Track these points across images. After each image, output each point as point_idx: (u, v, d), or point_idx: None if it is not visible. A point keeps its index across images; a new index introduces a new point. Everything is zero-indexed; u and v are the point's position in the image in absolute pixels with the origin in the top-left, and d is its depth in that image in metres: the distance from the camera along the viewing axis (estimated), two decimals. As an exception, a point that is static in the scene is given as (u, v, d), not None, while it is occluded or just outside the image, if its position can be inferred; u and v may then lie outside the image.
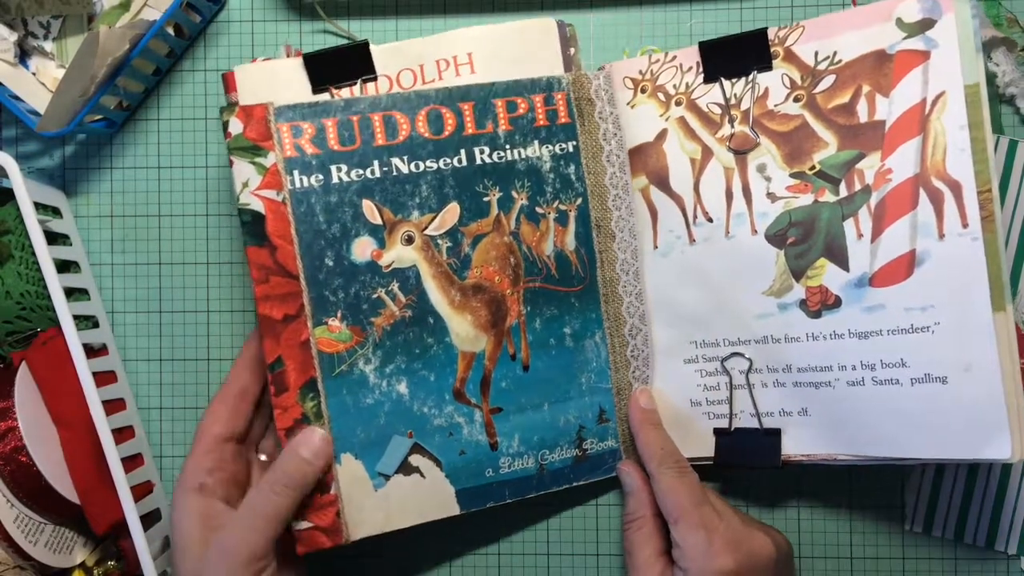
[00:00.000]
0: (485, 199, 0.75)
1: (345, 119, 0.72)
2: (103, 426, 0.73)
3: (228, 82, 0.75)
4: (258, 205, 0.71)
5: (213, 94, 0.84)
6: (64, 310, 0.74)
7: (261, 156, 0.71)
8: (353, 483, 0.73)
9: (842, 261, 0.70)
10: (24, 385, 0.76)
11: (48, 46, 0.81)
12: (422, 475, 0.74)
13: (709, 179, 0.75)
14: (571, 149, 0.77)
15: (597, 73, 0.78)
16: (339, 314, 0.72)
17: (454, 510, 0.76)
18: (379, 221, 0.73)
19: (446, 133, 0.74)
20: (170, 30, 0.79)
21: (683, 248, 0.76)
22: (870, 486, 0.82)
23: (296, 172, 0.71)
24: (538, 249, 0.76)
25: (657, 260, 0.77)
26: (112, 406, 0.78)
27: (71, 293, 0.79)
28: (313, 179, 0.72)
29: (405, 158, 0.73)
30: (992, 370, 0.66)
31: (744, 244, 0.74)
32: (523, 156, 0.76)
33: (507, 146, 0.75)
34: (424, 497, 0.75)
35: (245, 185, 0.71)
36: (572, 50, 0.78)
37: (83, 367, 0.73)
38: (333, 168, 0.72)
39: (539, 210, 0.76)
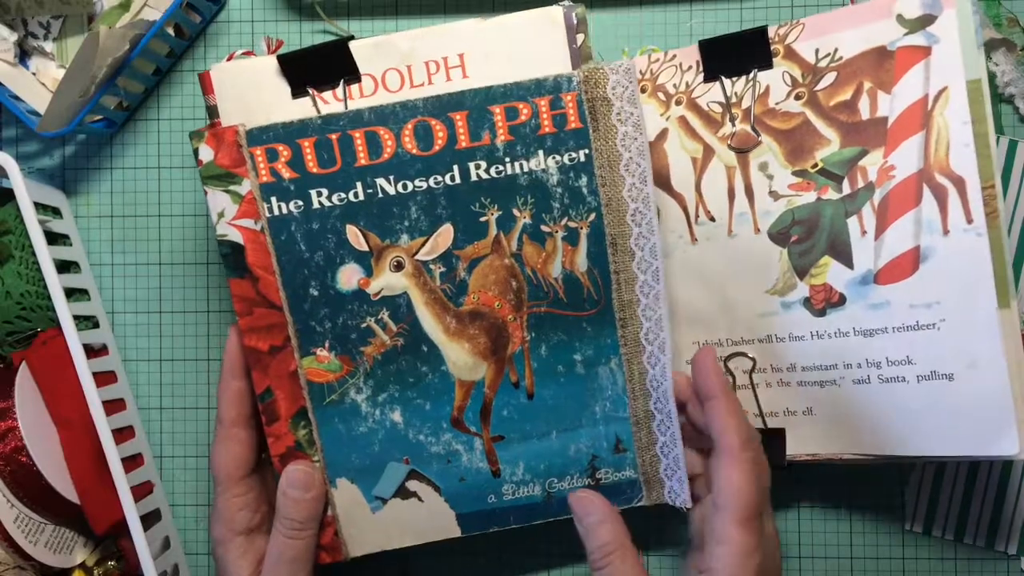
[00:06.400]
0: (482, 219, 0.69)
1: (323, 138, 0.67)
2: (103, 426, 0.73)
3: (205, 83, 0.71)
4: (236, 236, 0.68)
5: (213, 94, 0.83)
6: (64, 310, 0.73)
7: (235, 184, 0.68)
8: (350, 506, 0.73)
9: (846, 259, 0.70)
10: (24, 385, 0.76)
11: (48, 46, 0.81)
12: (420, 499, 0.73)
13: (711, 178, 0.75)
14: (582, 158, 0.68)
15: (616, 66, 0.67)
16: (327, 344, 0.70)
17: (455, 532, 0.74)
18: (365, 247, 0.69)
19: (436, 148, 0.68)
20: (170, 30, 0.79)
21: (685, 248, 0.76)
22: (870, 486, 0.82)
23: (274, 199, 0.68)
24: (544, 271, 0.70)
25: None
26: (112, 406, 0.78)
27: (71, 293, 0.79)
28: (292, 205, 0.68)
29: (391, 178, 0.68)
30: (999, 366, 0.66)
31: (747, 243, 0.74)
32: (525, 169, 0.68)
33: (507, 159, 0.68)
34: (424, 520, 0.74)
35: (221, 215, 0.68)
36: (581, 37, 0.71)
37: (83, 367, 0.73)
38: (313, 193, 0.68)
39: (545, 228, 0.69)
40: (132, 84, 0.80)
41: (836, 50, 0.70)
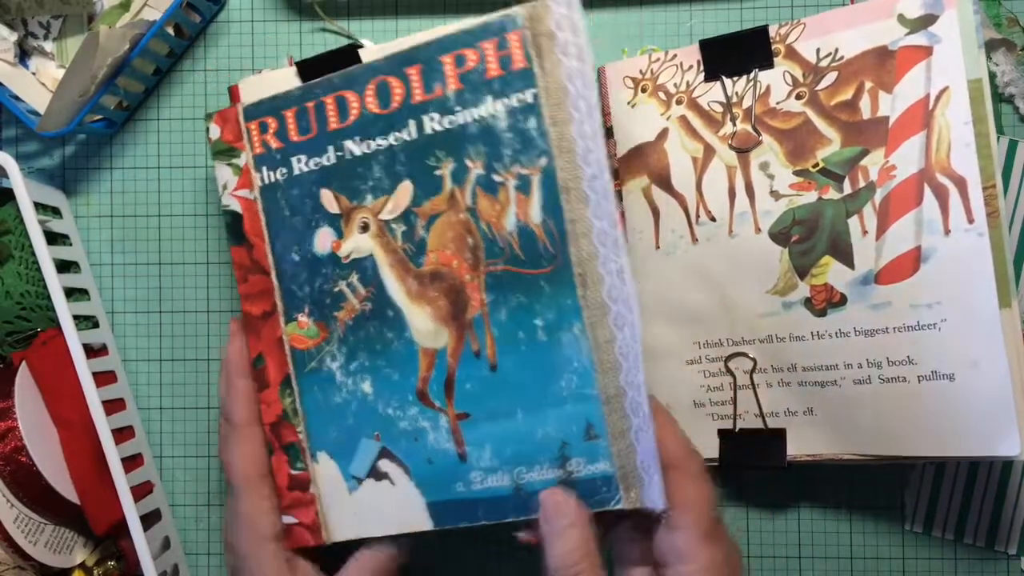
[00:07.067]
0: (437, 172, 0.65)
1: (302, 107, 0.68)
2: (103, 426, 0.73)
3: (233, 95, 0.76)
4: (236, 206, 0.71)
5: (213, 94, 0.84)
6: (64, 310, 0.73)
7: (236, 157, 0.70)
8: (330, 483, 0.70)
9: (847, 259, 0.70)
10: (24, 385, 0.76)
11: (48, 46, 0.81)
12: (392, 482, 0.69)
13: (711, 178, 0.75)
14: (530, 99, 0.62)
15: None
16: (307, 309, 0.69)
17: (427, 524, 0.68)
18: (337, 210, 0.68)
19: (395, 105, 0.66)
20: (170, 30, 0.79)
21: (686, 248, 0.76)
22: (870, 486, 0.82)
23: (264, 168, 0.70)
24: (498, 225, 0.64)
25: (659, 260, 0.77)
26: (112, 406, 0.78)
27: (71, 293, 0.78)
28: (278, 173, 0.69)
29: (357, 139, 0.67)
30: (1000, 366, 0.66)
31: (747, 243, 0.74)
32: (476, 117, 0.64)
33: (458, 108, 0.64)
34: (396, 506, 0.69)
35: (225, 187, 0.71)
36: None
37: (83, 367, 0.73)
38: (294, 160, 0.69)
39: (497, 178, 0.64)
40: (132, 84, 0.80)
41: (837, 50, 0.70)
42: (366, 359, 0.69)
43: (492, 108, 0.64)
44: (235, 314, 0.83)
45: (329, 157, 0.68)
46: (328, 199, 0.68)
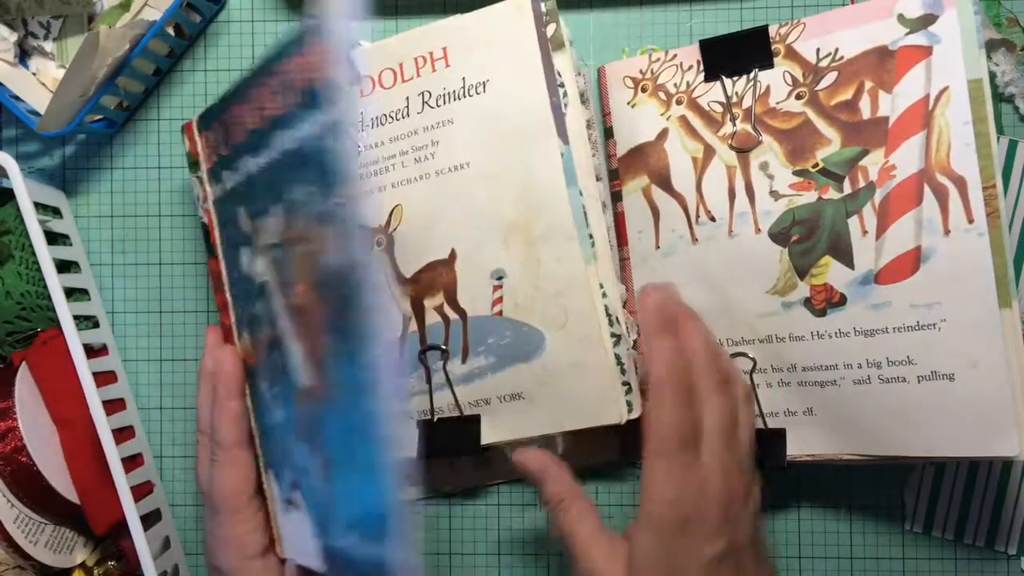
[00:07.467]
0: (292, 198, 0.59)
1: (220, 120, 0.66)
2: (103, 426, 0.73)
3: None
4: (206, 218, 0.71)
5: (213, 94, 0.84)
6: (64, 310, 0.73)
7: (199, 170, 0.70)
8: (272, 501, 0.69)
9: (847, 259, 0.70)
10: (24, 385, 0.76)
11: (48, 46, 0.81)
12: (301, 513, 0.65)
13: (711, 178, 0.75)
14: (338, 116, 0.54)
15: None
16: (247, 327, 0.68)
17: (321, 566, 0.63)
18: (249, 229, 0.65)
19: (267, 120, 0.60)
20: (170, 30, 0.79)
21: (686, 248, 0.76)
22: (870, 486, 0.82)
23: (213, 182, 0.69)
24: (327, 260, 0.57)
25: (659, 260, 0.77)
26: (112, 406, 0.78)
27: (71, 293, 0.78)
28: (219, 188, 0.68)
29: (251, 156, 0.63)
30: (999, 367, 0.66)
31: (747, 243, 0.73)
32: (304, 136, 0.57)
33: (296, 125, 0.57)
34: (304, 538, 0.65)
35: (198, 200, 0.70)
36: (553, 27, 0.71)
37: (83, 367, 0.73)
38: (225, 174, 0.67)
39: (321, 207, 0.56)
40: (132, 84, 0.80)
41: (837, 50, 0.70)
42: (277, 388, 0.65)
43: (310, 127, 0.56)
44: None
45: (242, 174, 0.65)
46: (243, 218, 0.66)
